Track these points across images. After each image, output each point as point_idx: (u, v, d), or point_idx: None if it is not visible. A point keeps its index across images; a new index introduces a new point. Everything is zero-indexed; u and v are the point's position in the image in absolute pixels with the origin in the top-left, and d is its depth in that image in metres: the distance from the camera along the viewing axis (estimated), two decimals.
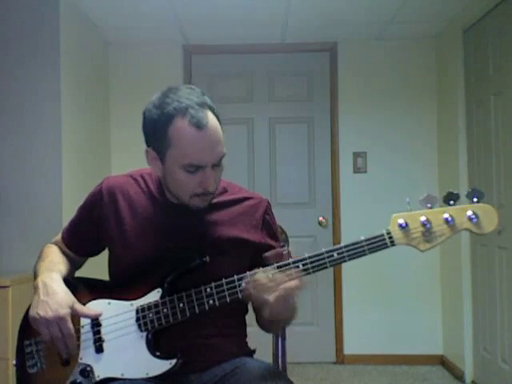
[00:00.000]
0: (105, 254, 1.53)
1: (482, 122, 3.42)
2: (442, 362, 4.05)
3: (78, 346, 1.36)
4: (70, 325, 1.31)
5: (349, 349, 4.13)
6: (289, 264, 1.28)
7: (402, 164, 4.14)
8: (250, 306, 1.54)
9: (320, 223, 4.17)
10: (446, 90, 3.96)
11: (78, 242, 1.54)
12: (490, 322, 3.34)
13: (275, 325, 1.44)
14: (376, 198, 4.07)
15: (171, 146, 1.31)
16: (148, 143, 1.38)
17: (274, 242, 1.49)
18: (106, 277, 1.49)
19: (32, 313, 1.32)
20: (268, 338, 1.71)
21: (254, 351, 1.52)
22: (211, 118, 1.31)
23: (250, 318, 1.54)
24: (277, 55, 4.26)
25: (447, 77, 3.94)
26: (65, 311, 1.31)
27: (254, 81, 4.26)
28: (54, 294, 1.33)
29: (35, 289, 1.37)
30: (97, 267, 1.64)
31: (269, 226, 1.49)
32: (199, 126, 1.28)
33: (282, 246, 1.69)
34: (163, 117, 1.30)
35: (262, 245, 1.45)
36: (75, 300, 1.35)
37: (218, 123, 1.33)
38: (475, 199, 1.27)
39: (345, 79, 4.18)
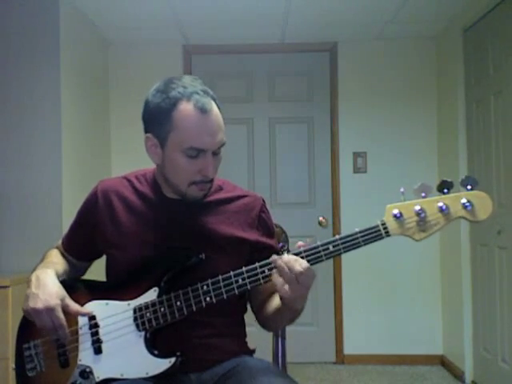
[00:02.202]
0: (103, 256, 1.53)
1: (482, 122, 3.42)
2: (442, 362, 4.05)
3: (77, 347, 1.36)
4: (61, 315, 1.31)
5: (349, 349, 4.13)
6: None
7: (402, 164, 4.14)
8: (248, 306, 1.54)
9: (320, 223, 4.17)
10: (446, 90, 3.96)
11: (77, 246, 1.54)
12: (489, 322, 3.34)
13: (283, 316, 1.41)
14: (376, 198, 4.06)
15: (174, 130, 1.32)
16: (148, 129, 1.39)
17: (269, 240, 1.49)
18: (103, 278, 1.49)
19: (24, 305, 1.33)
20: (268, 337, 1.71)
21: (253, 351, 1.52)
22: (214, 105, 1.35)
23: (250, 318, 1.54)
24: (277, 55, 4.26)
25: (447, 77, 3.94)
26: (54, 302, 1.31)
27: (253, 81, 4.26)
28: (44, 287, 1.33)
29: (28, 282, 1.37)
30: (95, 268, 1.64)
31: (265, 223, 1.49)
32: (204, 110, 1.32)
33: (282, 246, 1.69)
34: (168, 100, 1.33)
35: (258, 243, 1.45)
36: (67, 295, 1.36)
37: (219, 111, 1.37)
38: (469, 187, 1.26)
39: (345, 79, 4.18)
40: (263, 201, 1.52)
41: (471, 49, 3.57)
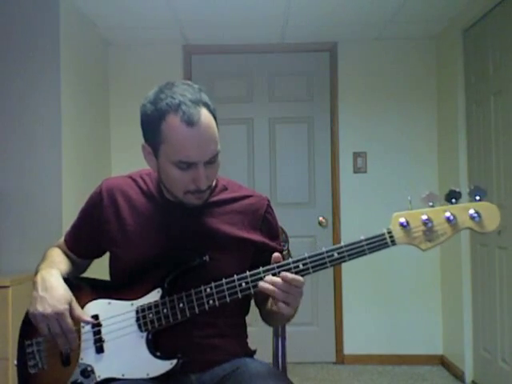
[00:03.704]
0: (106, 254, 1.53)
1: (482, 122, 3.43)
2: (442, 362, 4.05)
3: (79, 346, 1.36)
4: (69, 320, 1.31)
5: (349, 349, 4.13)
6: (289, 264, 1.28)
7: (402, 164, 4.14)
8: (251, 307, 1.54)
9: (320, 223, 4.17)
10: (446, 90, 3.95)
11: (80, 244, 1.54)
12: (489, 322, 3.34)
13: (279, 319, 1.44)
14: (376, 198, 4.07)
15: (163, 142, 1.31)
16: (144, 138, 1.38)
17: (274, 242, 1.48)
18: (107, 277, 1.49)
19: (31, 309, 1.33)
20: (268, 337, 1.71)
21: (254, 352, 1.52)
22: (204, 116, 1.29)
23: (250, 318, 1.54)
24: (277, 55, 4.26)
25: (447, 77, 3.94)
26: (63, 307, 1.31)
27: (253, 81, 4.26)
28: (52, 290, 1.33)
29: (34, 284, 1.37)
30: (98, 267, 1.64)
31: (269, 224, 1.49)
32: (190, 122, 1.27)
33: (283, 246, 1.69)
34: (156, 112, 1.30)
35: (262, 244, 1.44)
36: (73, 298, 1.36)
37: (212, 121, 1.31)
38: (477, 197, 1.25)
39: (345, 79, 4.18)
40: (268, 201, 1.51)
41: (471, 49, 3.58)
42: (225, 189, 1.49)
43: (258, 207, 1.48)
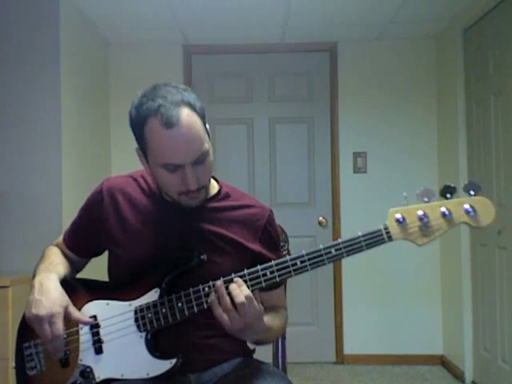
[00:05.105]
0: (105, 254, 1.52)
1: (482, 122, 3.43)
2: (442, 362, 4.05)
3: (78, 347, 1.36)
4: (61, 325, 1.30)
5: (349, 349, 4.13)
6: (287, 261, 1.28)
7: (402, 164, 4.14)
8: None
9: (320, 223, 4.17)
10: (446, 90, 3.96)
11: (79, 243, 1.53)
12: (489, 322, 3.34)
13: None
14: (376, 198, 4.07)
15: (148, 147, 1.30)
16: (136, 142, 1.38)
17: (271, 254, 1.45)
18: (105, 278, 1.49)
19: (26, 311, 1.33)
20: None
21: (253, 351, 1.52)
22: (186, 115, 1.26)
23: None
24: (277, 55, 4.26)
25: (447, 77, 3.94)
26: (57, 310, 1.30)
27: (253, 81, 4.26)
28: (48, 293, 1.32)
29: (31, 288, 1.36)
30: (96, 268, 1.64)
31: (269, 236, 1.47)
32: (169, 124, 1.25)
33: (282, 246, 1.69)
34: (139, 118, 1.29)
35: (260, 255, 1.43)
36: (70, 302, 1.35)
37: (195, 120, 1.28)
38: (472, 192, 1.26)
39: (345, 79, 4.18)
40: (271, 212, 1.50)
41: (471, 49, 3.58)
42: (227, 196, 1.48)
43: (259, 217, 1.46)
